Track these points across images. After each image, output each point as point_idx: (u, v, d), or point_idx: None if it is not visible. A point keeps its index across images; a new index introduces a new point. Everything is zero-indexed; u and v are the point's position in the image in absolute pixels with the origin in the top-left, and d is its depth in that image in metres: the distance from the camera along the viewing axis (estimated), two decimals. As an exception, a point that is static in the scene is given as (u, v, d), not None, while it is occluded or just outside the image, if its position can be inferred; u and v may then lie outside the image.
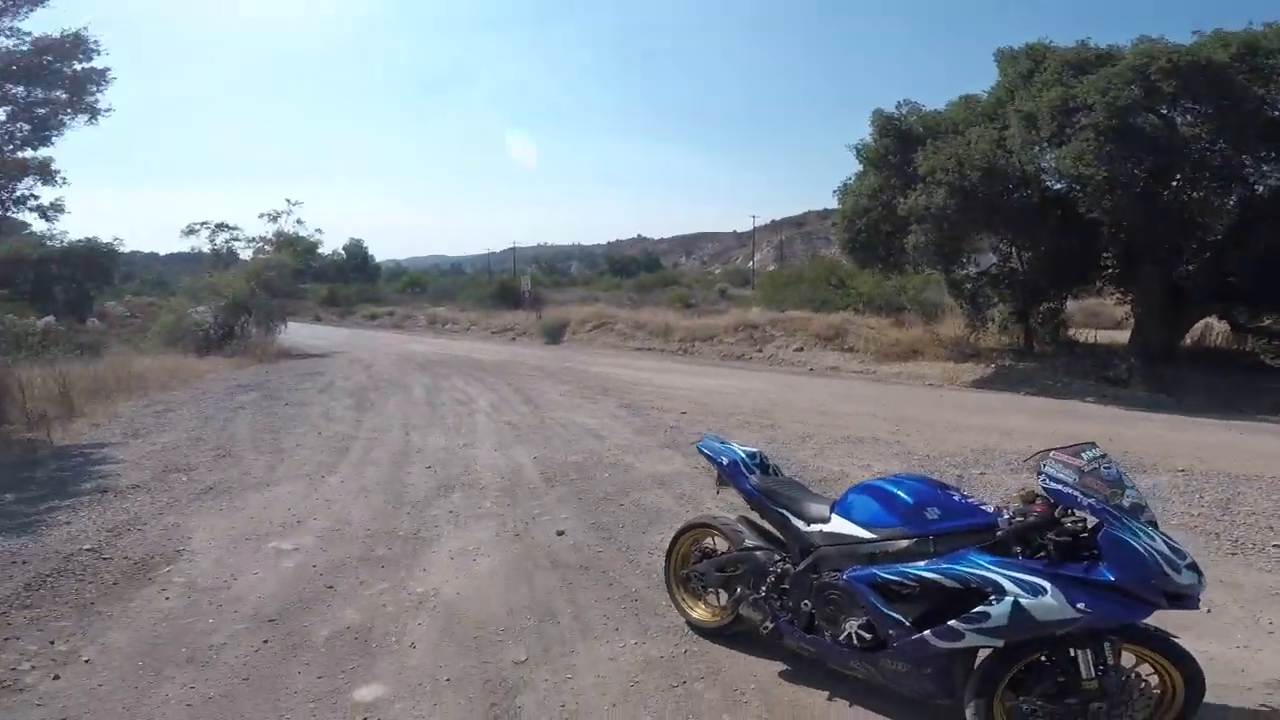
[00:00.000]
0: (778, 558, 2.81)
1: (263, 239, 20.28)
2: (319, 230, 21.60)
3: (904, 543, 2.37)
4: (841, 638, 2.44)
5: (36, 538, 4.46)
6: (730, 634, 3.00)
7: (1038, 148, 10.07)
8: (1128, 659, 2.14)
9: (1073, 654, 2.07)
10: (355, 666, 2.92)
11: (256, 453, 6.83)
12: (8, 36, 8.05)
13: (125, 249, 20.50)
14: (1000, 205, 10.18)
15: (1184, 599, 2.01)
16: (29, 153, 8.70)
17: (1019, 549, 2.14)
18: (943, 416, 8.33)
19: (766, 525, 2.94)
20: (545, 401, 9.50)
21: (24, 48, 8.04)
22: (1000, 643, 2.10)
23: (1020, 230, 11.02)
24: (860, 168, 12.37)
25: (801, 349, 14.56)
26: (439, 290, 33.96)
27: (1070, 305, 13.89)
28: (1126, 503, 2.03)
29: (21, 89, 8.19)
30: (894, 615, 2.28)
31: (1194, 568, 2.00)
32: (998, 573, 2.10)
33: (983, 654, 2.19)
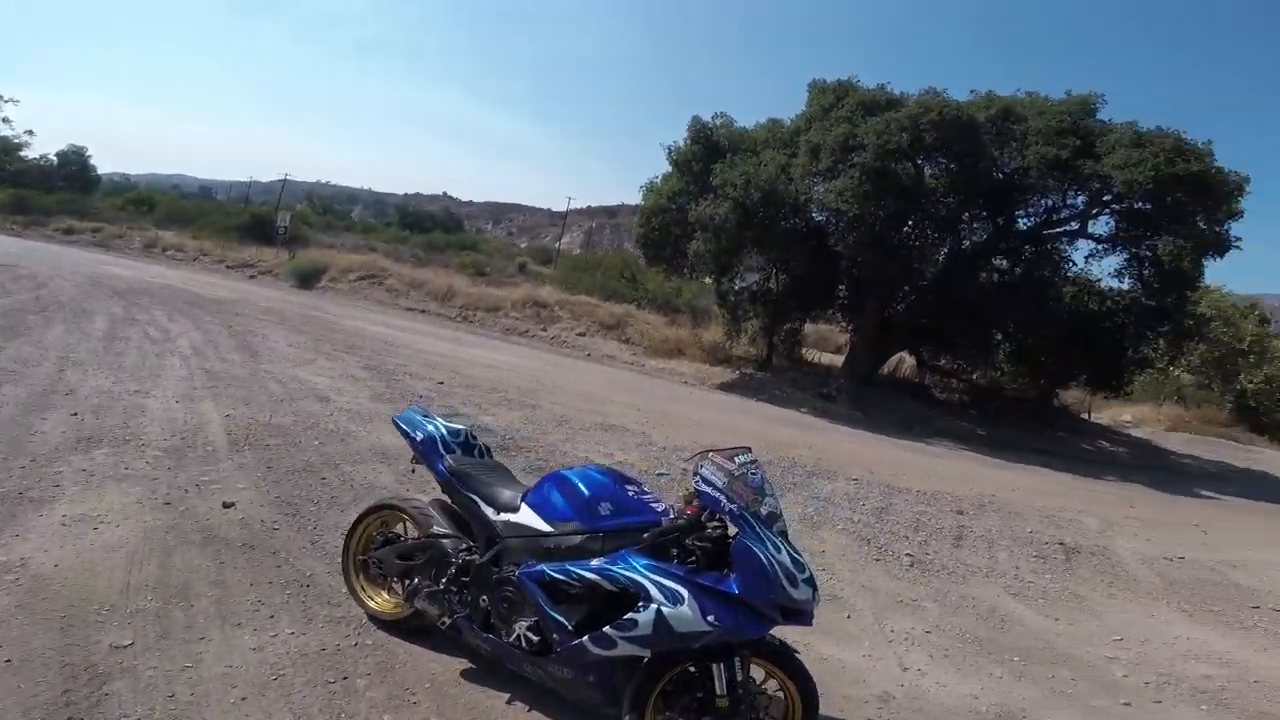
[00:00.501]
0: (464, 547, 2.53)
1: None
2: (29, 132, 16.88)
3: (577, 539, 2.23)
4: (512, 638, 2.25)
5: None
6: (413, 628, 2.64)
7: (814, 179, 11.22)
8: (758, 673, 2.16)
9: (710, 668, 2.04)
10: None
11: None
12: None
13: None
14: (772, 227, 11.19)
15: (799, 614, 2.03)
16: None
17: (675, 552, 2.09)
18: (688, 413, 8.86)
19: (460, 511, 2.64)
20: (267, 351, 8.15)
21: None
22: (647, 652, 2.04)
23: (783, 253, 12.27)
24: (668, 169, 12.86)
25: (584, 334, 14.70)
26: (172, 213, 28.22)
27: (808, 328, 15.91)
28: (764, 510, 2.05)
29: None
30: (558, 617, 2.12)
31: (810, 582, 2.03)
32: (646, 577, 2.02)
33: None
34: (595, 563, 2.11)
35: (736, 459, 2.09)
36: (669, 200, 12.39)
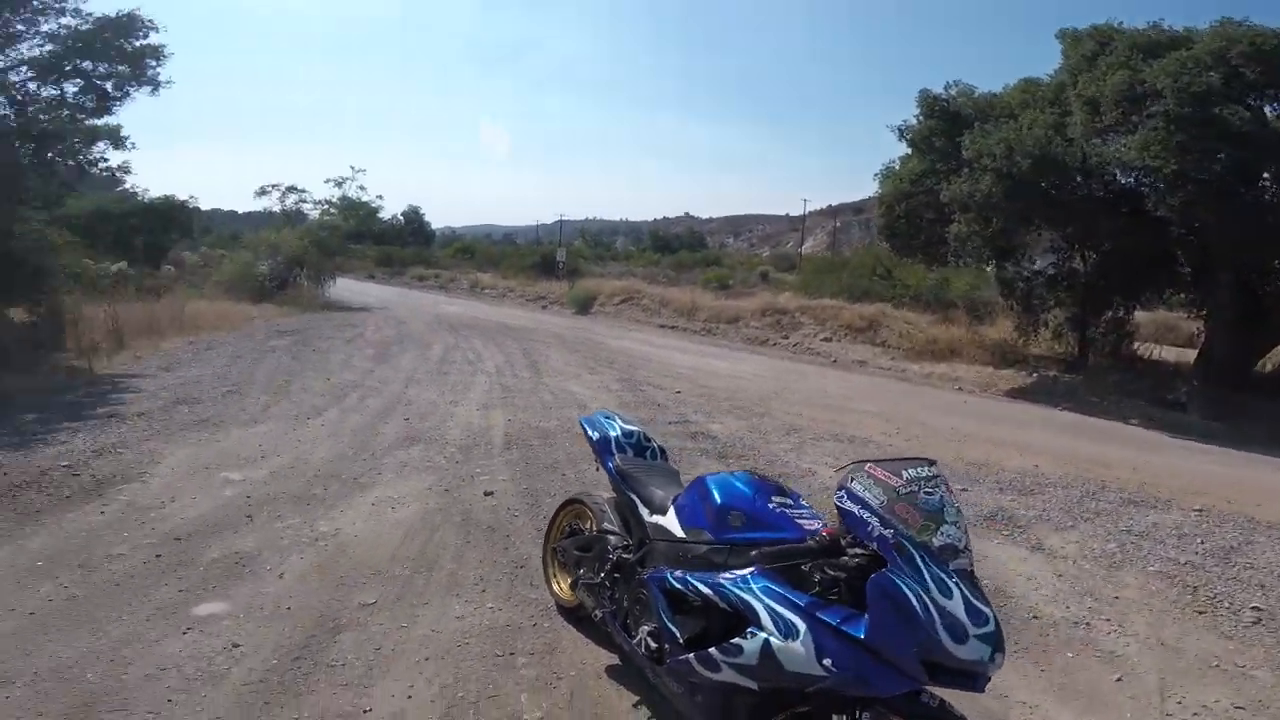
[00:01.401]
0: (622, 545, 2.66)
1: (328, 202, 21.46)
2: (380, 196, 23.04)
3: (703, 548, 2.14)
4: (636, 640, 2.27)
5: (28, 453, 4.85)
6: (584, 618, 2.90)
7: (1101, 137, 9.17)
8: None
9: (830, 718, 1.73)
10: (215, 586, 3.05)
11: (262, 392, 7.21)
12: (74, 16, 8.95)
13: (207, 206, 22.39)
14: (1056, 197, 9.37)
15: (965, 676, 1.60)
16: (97, 121, 9.77)
17: (818, 580, 1.77)
18: (954, 424, 7.83)
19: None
20: (548, 368, 9.59)
21: (86, 26, 8.90)
22: (754, 685, 1.80)
23: (1084, 225, 10.10)
24: (904, 152, 11.74)
25: (830, 339, 14.03)
26: (486, 258, 34.85)
27: (1141, 316, 12.69)
28: (936, 542, 1.62)
29: (88, 64, 9.08)
30: (672, 628, 2.05)
31: (989, 640, 1.56)
32: (760, 600, 1.79)
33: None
34: (715, 576, 1.97)
35: (905, 473, 1.71)
36: (912, 184, 11.14)
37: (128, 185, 13.62)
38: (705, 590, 1.94)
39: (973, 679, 1.60)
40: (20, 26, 8.88)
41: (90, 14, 9.07)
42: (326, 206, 21.25)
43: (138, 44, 9.32)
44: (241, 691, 2.35)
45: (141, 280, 13.33)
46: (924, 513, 1.64)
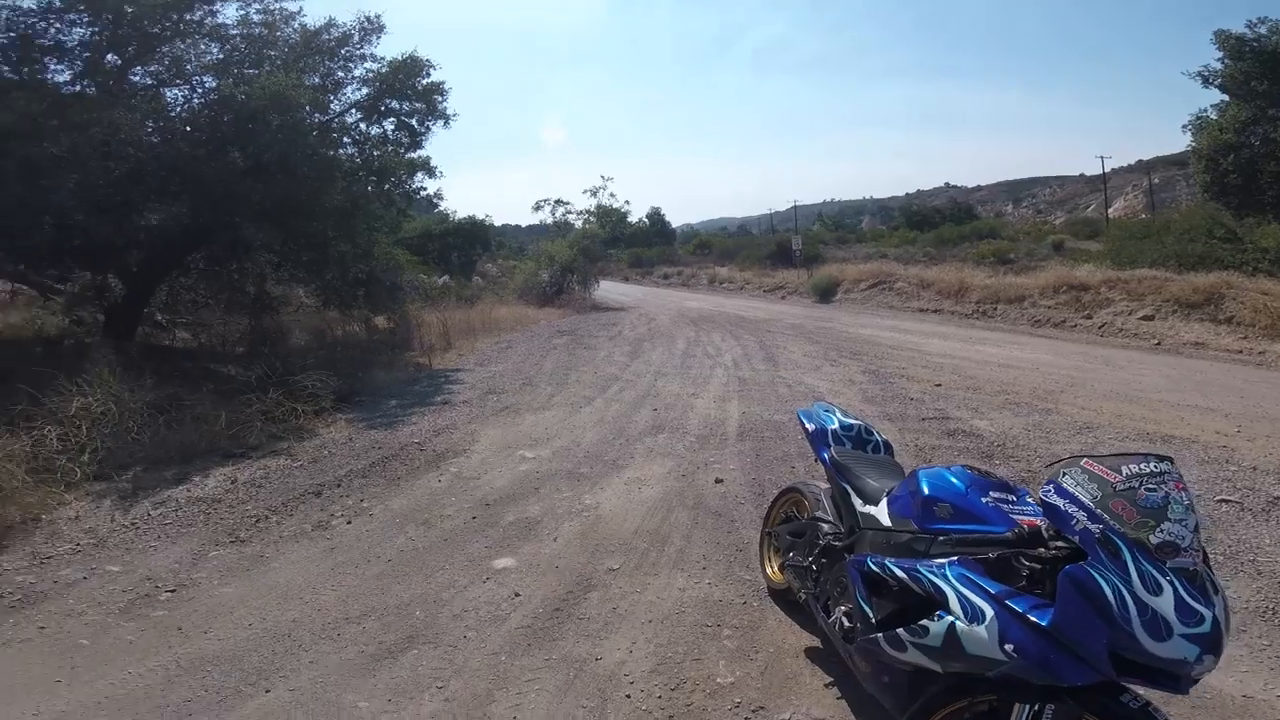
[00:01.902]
0: (833, 532, 2.79)
1: (587, 211, 24.17)
2: (627, 201, 25.23)
3: (906, 536, 2.20)
4: (832, 619, 2.43)
5: (393, 432, 6.65)
6: (792, 601, 3.13)
7: None
8: None
9: (1012, 707, 1.73)
10: (510, 545, 3.96)
11: (548, 384, 8.67)
12: (373, 61, 10.22)
13: (497, 223, 26.52)
14: None
15: (1166, 677, 1.52)
16: (411, 155, 11.23)
17: (1025, 574, 1.77)
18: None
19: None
20: (786, 360, 9.68)
21: (384, 69, 10.19)
22: (938, 667, 1.86)
23: None
24: (1214, 98, 9.38)
25: (1150, 317, 11.50)
26: (723, 251, 35.46)
27: None
28: (1154, 539, 1.55)
29: (395, 103, 10.54)
30: (866, 608, 2.16)
31: (1200, 640, 1.47)
32: (951, 585, 1.85)
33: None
34: (912, 562, 2.05)
35: (1125, 469, 1.63)
36: (1237, 134, 8.70)
37: (440, 208, 16.68)
38: (900, 574, 2.03)
39: (1174, 680, 1.54)
40: (340, 74, 10.17)
41: (383, 57, 10.33)
42: (587, 216, 24.24)
43: (424, 84, 10.53)
44: (515, 634, 3.07)
45: (460, 290, 16.72)
46: (1142, 509, 1.58)
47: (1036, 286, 13.98)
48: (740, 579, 3.49)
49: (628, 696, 2.61)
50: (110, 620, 3.28)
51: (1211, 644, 1.49)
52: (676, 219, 78.46)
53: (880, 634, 2.04)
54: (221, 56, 8.85)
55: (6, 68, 7.45)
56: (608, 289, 24.89)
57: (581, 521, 4.27)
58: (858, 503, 2.62)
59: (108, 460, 5.33)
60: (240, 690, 2.69)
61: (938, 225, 37.90)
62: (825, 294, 19.08)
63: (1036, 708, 1.70)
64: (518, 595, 3.40)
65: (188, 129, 8.41)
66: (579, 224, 24.88)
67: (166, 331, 10.26)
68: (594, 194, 24.93)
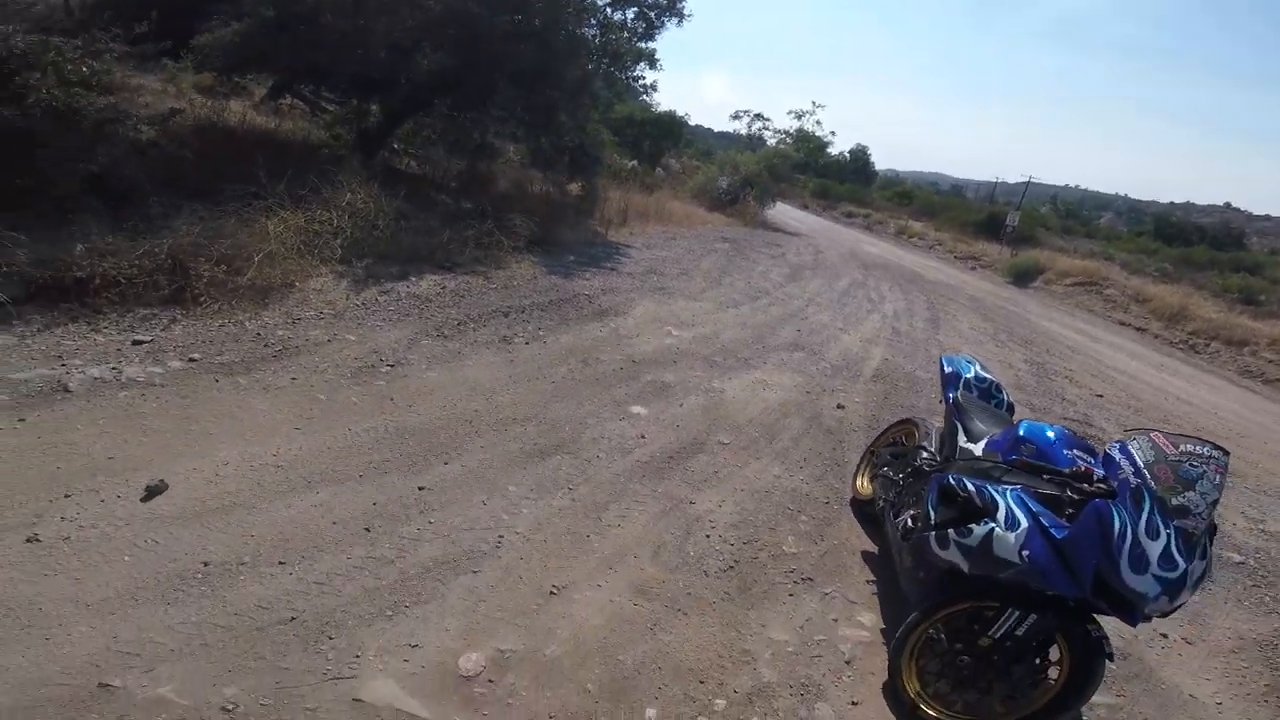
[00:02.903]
0: (929, 457, 3.15)
1: (786, 132, 23.03)
2: (833, 133, 23.49)
3: (988, 464, 2.54)
4: (898, 519, 2.86)
5: (569, 281, 7.54)
6: (868, 514, 3.59)
7: None
8: (1056, 654, 2.10)
9: (1004, 611, 2.13)
10: (645, 398, 4.69)
11: (703, 280, 9.18)
12: None
13: (692, 122, 25.95)
14: None
15: (1125, 607, 1.89)
16: (642, 45, 11.75)
17: (1070, 512, 2.14)
18: None
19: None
20: (949, 327, 9.39)
21: None
22: (966, 567, 2.23)
23: None
24: None
25: None
26: (924, 205, 32.27)
27: None
28: (1174, 501, 1.89)
29: None
30: (931, 511, 2.53)
31: (1166, 583, 1.83)
32: (1004, 499, 2.20)
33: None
34: (984, 480, 2.39)
35: (1183, 446, 1.96)
36: None
37: (644, 97, 16.83)
38: (970, 486, 2.40)
39: (1131, 611, 1.95)
40: None
41: None
42: (783, 136, 23.22)
43: None
44: (634, 464, 3.80)
45: (644, 177, 17.24)
46: (1178, 478, 1.93)
47: (1268, 335, 12.04)
48: (830, 485, 3.99)
49: (707, 536, 3.27)
50: (343, 381, 3.98)
51: (1173, 589, 1.87)
52: (883, 162, 72.10)
53: (933, 533, 2.46)
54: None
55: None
56: (783, 210, 24.19)
57: (706, 398, 4.90)
58: (962, 438, 2.98)
59: (351, 248, 6.45)
60: (427, 458, 3.38)
61: (1192, 244, 32.09)
62: (1022, 278, 17.41)
63: (1021, 614, 2.14)
64: (643, 437, 4.13)
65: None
66: (773, 142, 24.02)
67: (398, 158, 11.80)
68: (798, 117, 23.83)
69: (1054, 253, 19.94)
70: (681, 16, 11.16)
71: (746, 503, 3.62)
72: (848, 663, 2.62)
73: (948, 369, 3.43)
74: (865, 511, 3.65)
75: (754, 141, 24.61)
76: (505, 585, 2.67)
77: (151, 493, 2.74)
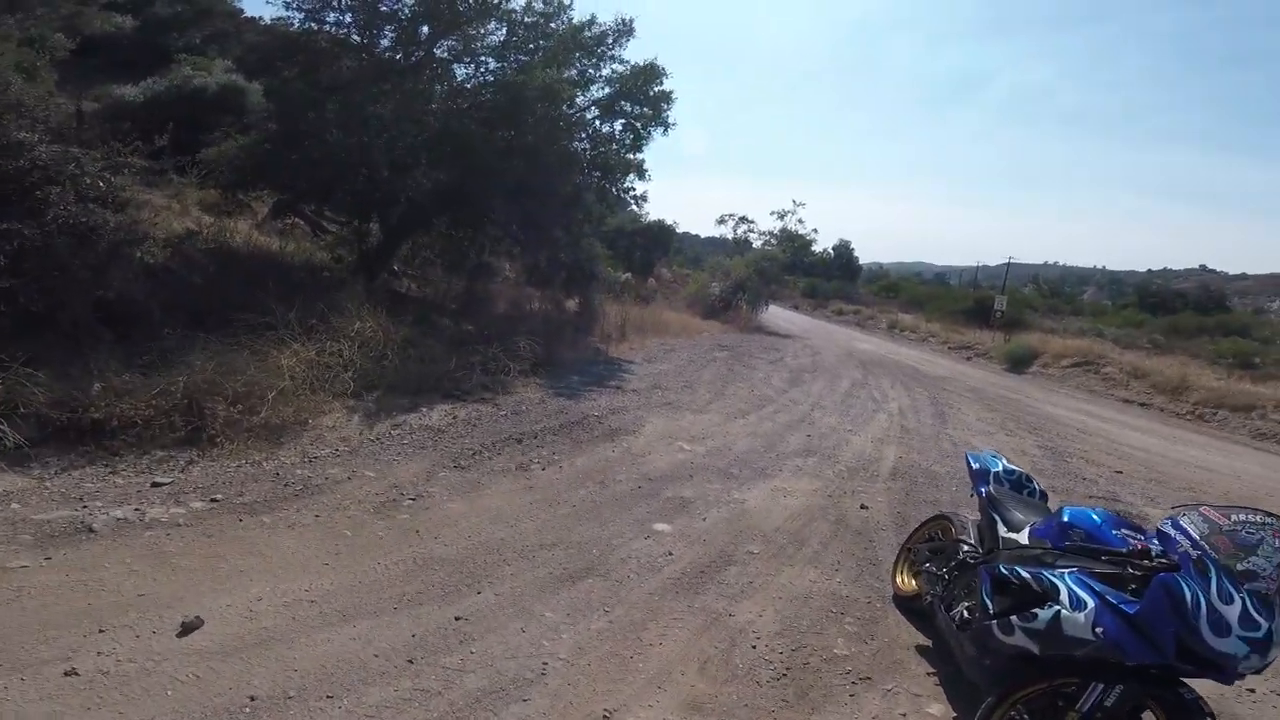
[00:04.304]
0: (971, 550, 3.12)
1: (770, 233, 24.32)
2: (815, 230, 24.61)
3: (1038, 550, 2.55)
4: (953, 613, 2.79)
5: (576, 402, 7.63)
6: (914, 609, 3.48)
7: None
8: None
9: (1089, 685, 2.09)
10: (667, 515, 4.62)
11: (707, 391, 9.30)
12: (619, 64, 10.95)
13: (679, 229, 27.31)
14: None
15: (1215, 669, 1.87)
16: (630, 156, 11.74)
17: (1134, 588, 2.14)
18: None
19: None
20: (955, 420, 9.40)
21: (627, 72, 10.95)
22: (1036, 649, 2.20)
23: None
24: None
25: None
26: (912, 297, 33.42)
27: None
28: (1240, 566, 1.92)
29: (628, 105, 11.19)
30: (987, 601, 2.50)
31: (1252, 643, 1.83)
32: (1064, 582, 2.20)
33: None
34: (1037, 567, 2.37)
35: (1234, 516, 2.01)
36: None
37: (632, 207, 17.40)
38: (1025, 574, 2.38)
39: (1222, 671, 1.93)
40: (591, 71, 10.85)
41: (628, 60, 11.07)
42: (769, 237, 24.49)
43: (655, 90, 11.17)
44: (666, 581, 3.70)
45: (638, 288, 17.93)
46: (1238, 546, 1.97)
47: (1272, 398, 12.13)
48: (868, 585, 3.86)
49: (753, 646, 3.14)
50: (366, 517, 4.01)
51: (1261, 647, 1.86)
52: (866, 256, 75.17)
53: (994, 622, 2.41)
54: (501, 40, 9.82)
55: (355, 31, 9.14)
56: (775, 314, 24.97)
57: (729, 510, 4.82)
58: (1002, 529, 2.98)
59: (360, 380, 6.43)
60: (459, 588, 3.35)
61: (1176, 311, 33.01)
62: (1018, 363, 17.59)
63: (1106, 686, 2.09)
64: (670, 554, 4.03)
65: (466, 106, 9.51)
66: (758, 244, 25.25)
67: (398, 280, 12.17)
68: (781, 217, 25.14)
69: (1046, 334, 20.30)
70: (667, 125, 11.51)
71: (787, 610, 3.50)
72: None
73: (975, 465, 3.48)
74: (910, 607, 3.54)
75: (741, 245, 25.80)
76: (556, 712, 2.56)
77: (187, 628, 2.71)
